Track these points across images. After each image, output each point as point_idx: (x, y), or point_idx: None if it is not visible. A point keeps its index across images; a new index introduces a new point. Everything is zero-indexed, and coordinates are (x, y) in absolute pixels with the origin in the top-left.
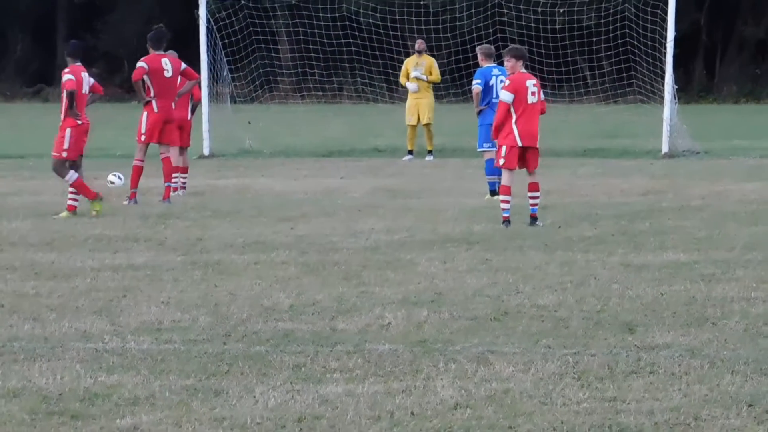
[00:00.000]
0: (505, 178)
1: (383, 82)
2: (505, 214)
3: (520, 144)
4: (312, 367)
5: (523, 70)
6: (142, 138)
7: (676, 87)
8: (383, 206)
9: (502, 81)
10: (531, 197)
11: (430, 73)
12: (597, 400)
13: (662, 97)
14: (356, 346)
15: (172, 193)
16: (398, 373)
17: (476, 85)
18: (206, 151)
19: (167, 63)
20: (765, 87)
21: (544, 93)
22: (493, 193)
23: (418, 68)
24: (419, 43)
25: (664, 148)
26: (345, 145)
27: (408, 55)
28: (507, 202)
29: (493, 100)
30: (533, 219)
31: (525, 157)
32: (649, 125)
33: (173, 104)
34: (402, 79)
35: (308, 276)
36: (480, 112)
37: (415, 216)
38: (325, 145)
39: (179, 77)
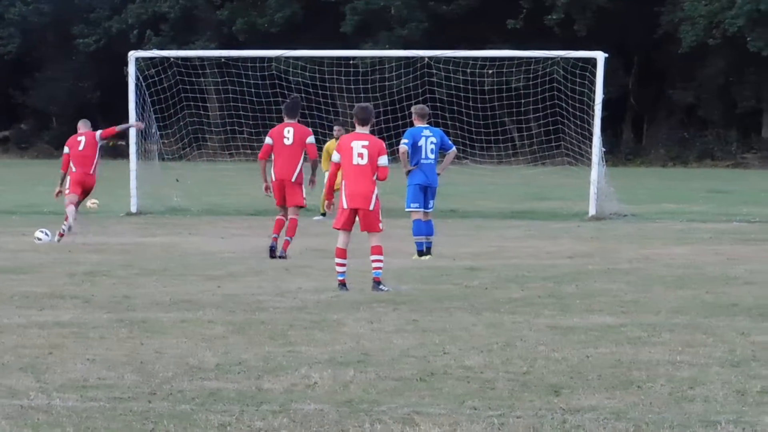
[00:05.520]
0: (339, 240)
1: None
2: (340, 278)
3: (345, 206)
4: (237, 426)
5: (362, 131)
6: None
7: (603, 149)
8: (311, 266)
9: (432, 142)
10: (372, 260)
11: None
12: None
13: (590, 160)
14: (282, 405)
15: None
16: None
17: (403, 145)
18: (133, 209)
19: (289, 131)
20: (693, 151)
21: (470, 155)
22: (421, 253)
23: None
24: (337, 130)
25: (591, 211)
26: (272, 204)
27: (336, 114)
28: (341, 265)
29: (422, 161)
30: (376, 283)
31: (357, 219)
32: (576, 187)
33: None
34: (323, 164)
35: (235, 335)
36: (408, 172)
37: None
38: (253, 204)
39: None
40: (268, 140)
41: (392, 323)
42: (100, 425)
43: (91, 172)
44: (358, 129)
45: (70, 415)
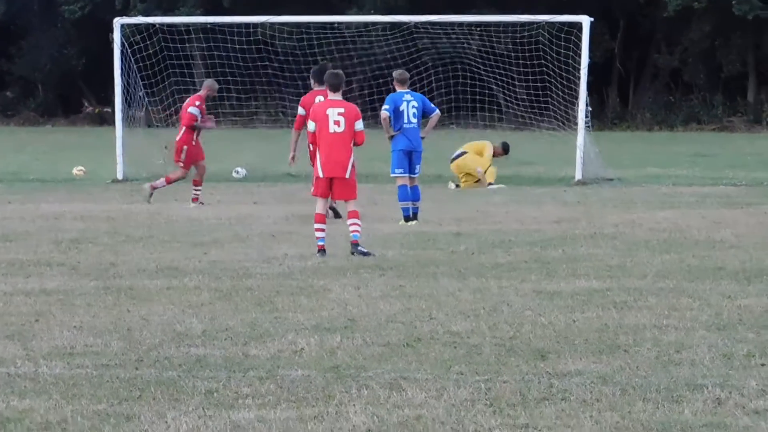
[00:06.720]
0: (318, 206)
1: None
2: (320, 243)
3: (321, 175)
4: (224, 392)
5: (335, 97)
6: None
7: (590, 110)
8: (297, 232)
9: (414, 106)
10: (350, 224)
11: None
12: (509, 427)
13: (576, 124)
14: (269, 371)
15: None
16: (310, 399)
17: (384, 111)
18: (119, 176)
19: (321, 99)
20: (678, 115)
21: (455, 118)
22: (407, 218)
23: None
24: None
25: (578, 176)
26: (258, 171)
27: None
28: (321, 230)
29: (405, 126)
30: (354, 245)
31: (332, 187)
32: (562, 152)
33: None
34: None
35: (221, 301)
36: (392, 138)
37: (329, 242)
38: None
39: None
40: (300, 111)
41: (378, 289)
42: (87, 392)
43: (177, 138)
44: (331, 96)
45: (56, 383)
